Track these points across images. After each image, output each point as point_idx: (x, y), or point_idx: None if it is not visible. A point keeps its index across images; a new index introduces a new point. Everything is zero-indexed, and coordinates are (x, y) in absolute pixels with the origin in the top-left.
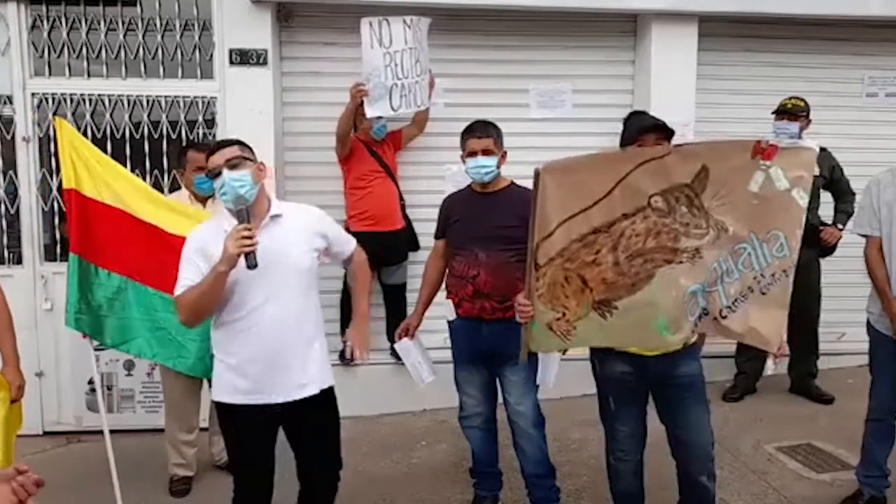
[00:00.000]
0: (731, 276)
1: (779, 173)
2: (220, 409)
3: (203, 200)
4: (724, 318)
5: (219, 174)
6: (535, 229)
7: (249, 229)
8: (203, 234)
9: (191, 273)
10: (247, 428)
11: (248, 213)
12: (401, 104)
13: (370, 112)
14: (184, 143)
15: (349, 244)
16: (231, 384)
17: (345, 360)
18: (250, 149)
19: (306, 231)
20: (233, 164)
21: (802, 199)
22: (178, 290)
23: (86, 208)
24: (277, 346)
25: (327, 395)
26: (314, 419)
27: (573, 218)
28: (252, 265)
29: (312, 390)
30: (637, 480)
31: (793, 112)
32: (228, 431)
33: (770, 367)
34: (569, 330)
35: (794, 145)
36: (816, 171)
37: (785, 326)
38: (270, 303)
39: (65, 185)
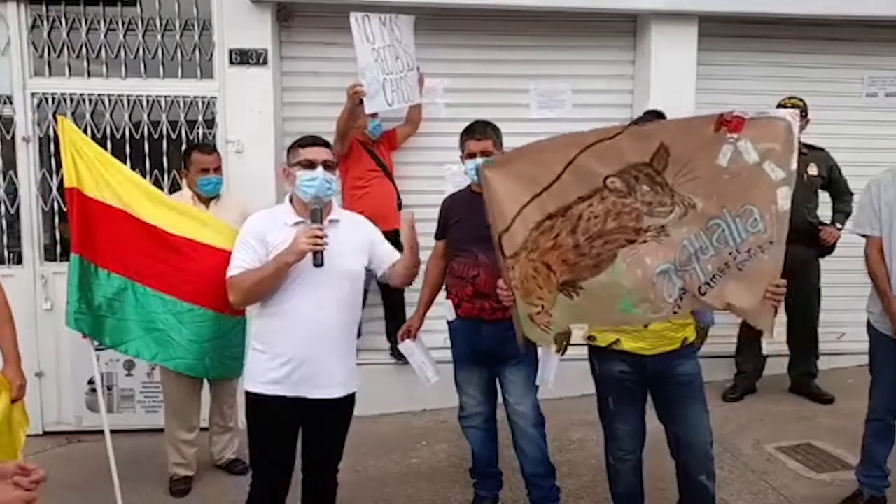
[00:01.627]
0: (706, 252)
1: (748, 146)
2: (251, 399)
3: (206, 202)
4: (704, 294)
5: (314, 167)
6: (494, 224)
7: (322, 229)
8: (262, 222)
9: (247, 256)
10: (274, 421)
11: (321, 213)
12: (394, 99)
13: (369, 108)
14: (184, 144)
15: (393, 253)
16: (266, 375)
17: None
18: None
19: (360, 240)
20: (328, 166)
21: (774, 172)
22: (232, 272)
23: (87, 208)
24: (317, 344)
25: (351, 398)
26: (334, 419)
27: (526, 207)
28: (319, 263)
29: (342, 391)
30: (637, 480)
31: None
32: (256, 422)
33: (765, 345)
34: (549, 322)
35: (762, 115)
36: (815, 171)
37: (769, 306)
38: (317, 301)
39: (66, 184)
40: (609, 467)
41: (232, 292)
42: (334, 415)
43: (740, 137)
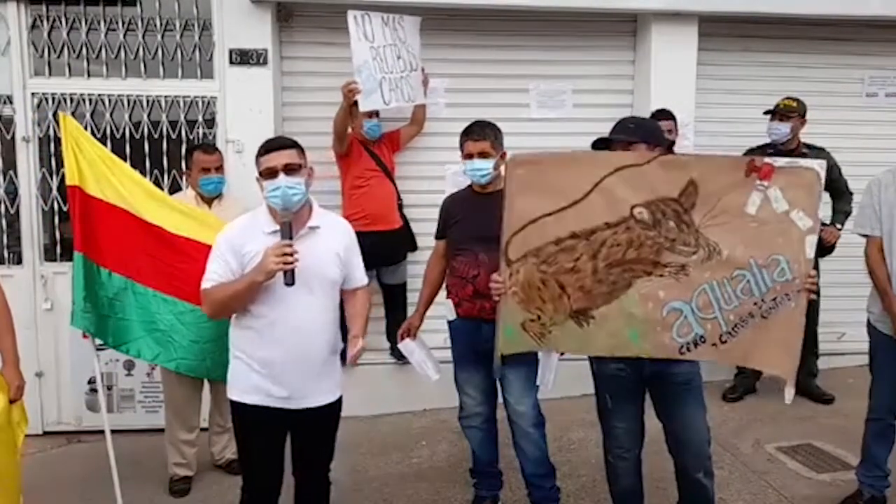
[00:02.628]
0: (730, 303)
1: (777, 194)
2: (235, 407)
3: (209, 201)
4: (725, 342)
5: (275, 175)
6: (505, 223)
7: (291, 245)
8: (237, 231)
9: (220, 268)
10: (259, 428)
11: (290, 227)
12: (391, 98)
13: (364, 106)
14: (184, 144)
15: (359, 280)
16: (248, 384)
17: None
18: (304, 153)
19: (338, 246)
20: (291, 170)
21: (802, 221)
22: (205, 284)
23: (89, 207)
24: (298, 353)
25: (337, 405)
26: (321, 426)
27: (546, 217)
28: (289, 283)
29: (326, 399)
30: (636, 479)
31: (784, 112)
32: (240, 430)
33: (788, 396)
34: (543, 333)
35: (793, 164)
36: None
37: (796, 352)
38: (297, 310)
39: (68, 182)
40: (608, 465)
41: (205, 304)
42: (320, 421)
43: (770, 185)
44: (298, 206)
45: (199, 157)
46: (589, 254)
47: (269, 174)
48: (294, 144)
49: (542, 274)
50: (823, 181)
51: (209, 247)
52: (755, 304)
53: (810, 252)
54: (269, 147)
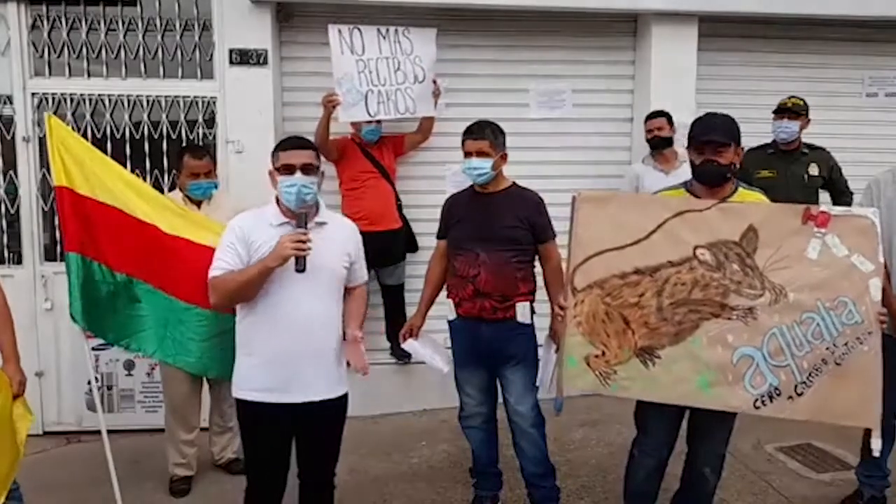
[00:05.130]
0: (801, 348)
1: (835, 241)
2: (240, 405)
3: (198, 203)
4: (801, 394)
5: (292, 172)
6: (570, 254)
7: (306, 233)
8: (247, 222)
9: (229, 257)
10: (264, 425)
11: (306, 217)
12: (378, 110)
13: (343, 117)
14: (184, 144)
15: (361, 277)
16: (252, 381)
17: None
18: (319, 157)
19: (344, 243)
20: (308, 170)
21: (864, 265)
22: (214, 272)
23: (81, 206)
24: (302, 348)
25: (342, 400)
26: (326, 422)
27: (609, 252)
28: (301, 269)
29: (330, 393)
30: (654, 484)
31: (794, 111)
32: (245, 428)
33: (876, 448)
34: (608, 373)
35: (847, 213)
36: (815, 172)
37: (878, 399)
38: (301, 305)
39: (55, 183)
40: (631, 460)
41: (213, 294)
42: (325, 418)
43: (827, 232)
44: (311, 203)
45: (189, 162)
46: (653, 290)
47: (286, 170)
48: (313, 146)
49: (607, 306)
50: (879, 227)
51: (203, 246)
52: (827, 348)
53: (876, 294)
54: (290, 145)
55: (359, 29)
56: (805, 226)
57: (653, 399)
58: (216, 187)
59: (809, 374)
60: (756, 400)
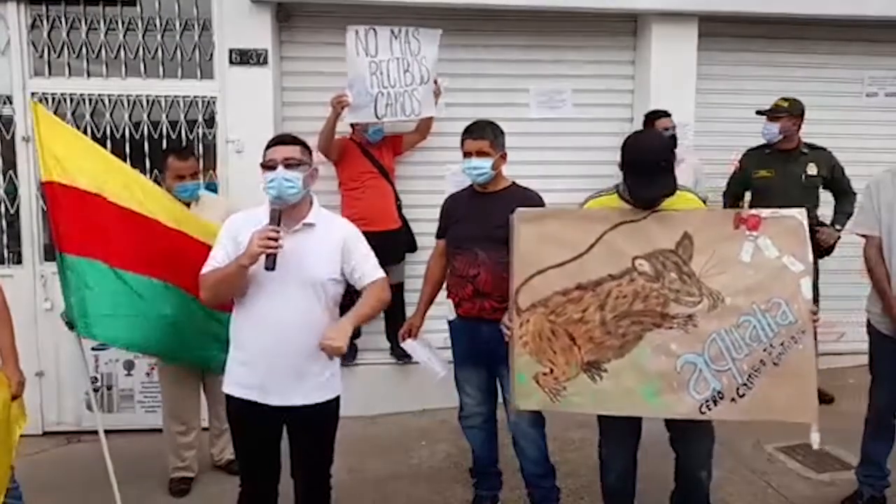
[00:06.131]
0: (740, 352)
1: (767, 242)
2: (227, 399)
3: (186, 205)
4: (742, 396)
5: (274, 167)
6: (513, 274)
7: (277, 231)
8: (239, 220)
9: (219, 255)
10: (248, 421)
11: (279, 215)
12: (386, 112)
13: (350, 118)
14: (184, 144)
15: (369, 277)
16: (237, 378)
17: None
18: (310, 152)
19: (333, 247)
20: (289, 164)
21: (794, 266)
22: (205, 269)
23: (72, 199)
24: (280, 349)
25: (329, 406)
26: (313, 427)
27: (550, 269)
28: (269, 267)
29: (310, 399)
30: (629, 478)
31: (773, 113)
32: (233, 424)
33: (815, 441)
34: (558, 389)
35: (776, 215)
36: (814, 171)
37: (814, 395)
38: (280, 305)
39: (43, 178)
40: (601, 463)
41: (201, 289)
42: (310, 423)
43: (759, 235)
44: (294, 199)
45: (174, 164)
46: (596, 304)
47: (269, 166)
48: (299, 142)
49: (552, 324)
50: (807, 226)
51: (194, 239)
52: (765, 350)
53: (807, 293)
54: (273, 141)
55: (374, 30)
56: (737, 230)
57: (604, 412)
58: (212, 188)
59: (749, 376)
60: (701, 405)
